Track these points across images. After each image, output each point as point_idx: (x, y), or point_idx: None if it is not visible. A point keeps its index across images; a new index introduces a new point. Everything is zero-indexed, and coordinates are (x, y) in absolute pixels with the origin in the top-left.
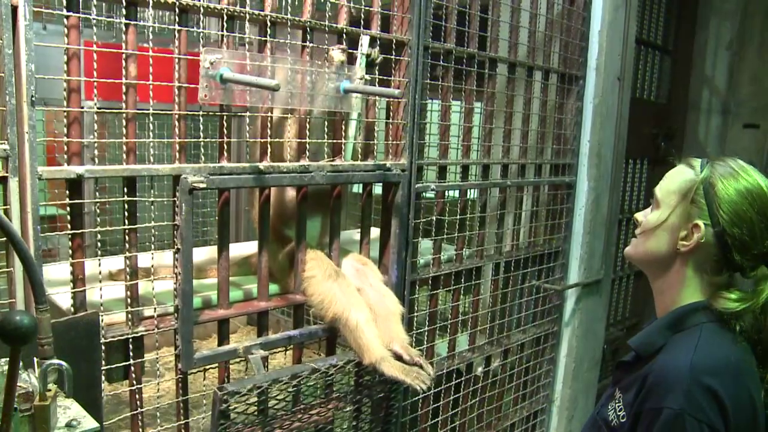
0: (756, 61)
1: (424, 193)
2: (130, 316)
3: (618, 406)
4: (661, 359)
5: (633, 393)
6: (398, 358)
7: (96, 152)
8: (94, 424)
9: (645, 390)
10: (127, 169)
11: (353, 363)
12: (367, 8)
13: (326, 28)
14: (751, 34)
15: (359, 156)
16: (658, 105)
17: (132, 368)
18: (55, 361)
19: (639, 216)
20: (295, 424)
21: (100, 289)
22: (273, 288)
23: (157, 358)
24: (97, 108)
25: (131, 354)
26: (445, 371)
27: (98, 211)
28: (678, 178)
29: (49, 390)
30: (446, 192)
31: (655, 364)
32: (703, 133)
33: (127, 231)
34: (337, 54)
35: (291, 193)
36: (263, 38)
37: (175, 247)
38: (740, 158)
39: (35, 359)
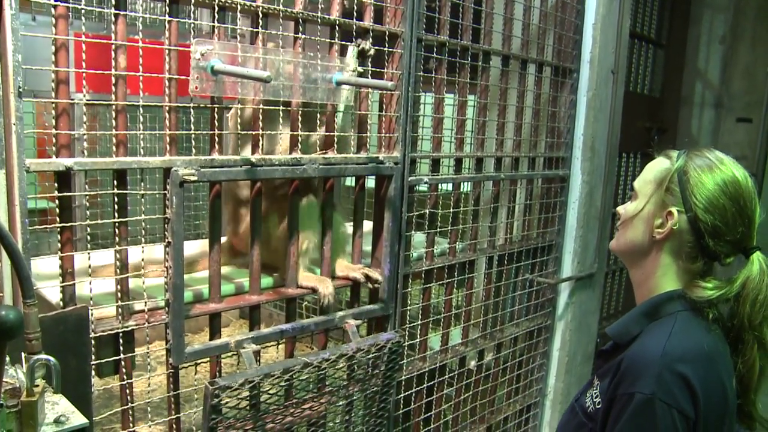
0: (748, 55)
1: (417, 186)
2: (120, 310)
3: (594, 393)
4: (634, 346)
5: (608, 379)
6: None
7: (87, 145)
8: (83, 420)
9: (618, 376)
10: (116, 162)
11: (346, 357)
12: (359, 0)
13: (318, 20)
14: (743, 29)
15: (351, 148)
16: (652, 98)
17: (122, 363)
18: (43, 356)
19: (620, 209)
20: (288, 419)
21: (90, 283)
22: (265, 281)
23: (147, 353)
24: (87, 100)
25: (121, 348)
26: (438, 365)
27: (87, 204)
28: (655, 168)
29: (37, 385)
30: (439, 185)
31: (629, 350)
32: (696, 126)
33: (116, 224)
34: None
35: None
36: (255, 30)
37: (166, 240)
38: (719, 150)
39: (23, 354)
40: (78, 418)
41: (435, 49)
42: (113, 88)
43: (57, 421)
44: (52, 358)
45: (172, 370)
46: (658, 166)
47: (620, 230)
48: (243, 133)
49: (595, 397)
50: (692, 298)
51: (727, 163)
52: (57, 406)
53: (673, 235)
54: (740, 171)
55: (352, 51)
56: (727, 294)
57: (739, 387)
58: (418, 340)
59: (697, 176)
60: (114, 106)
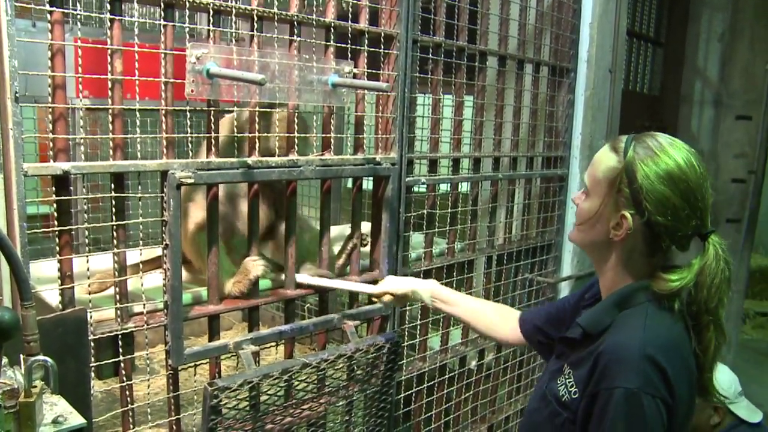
0: (747, 53)
1: (414, 187)
2: (119, 312)
3: (569, 382)
4: (611, 338)
5: (586, 370)
6: None
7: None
8: (81, 420)
9: (599, 370)
10: (114, 165)
11: (345, 357)
12: (355, 2)
13: (314, 22)
14: (742, 27)
15: (348, 149)
16: (651, 97)
17: (122, 365)
18: (41, 357)
19: (575, 199)
20: (287, 419)
21: (89, 285)
22: (264, 283)
23: (147, 354)
24: (86, 105)
25: (121, 350)
26: (438, 365)
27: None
28: (603, 165)
29: (35, 386)
30: (437, 185)
31: (606, 343)
32: (696, 125)
33: (114, 227)
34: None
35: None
36: (250, 33)
37: (164, 242)
38: (666, 134)
39: (21, 356)
40: (76, 419)
41: (431, 50)
42: (110, 93)
43: (55, 422)
44: (49, 360)
45: (171, 372)
46: (607, 163)
47: (577, 227)
48: (239, 135)
49: (570, 386)
50: (657, 290)
51: (668, 148)
52: (55, 406)
53: (630, 236)
54: (682, 154)
55: None
56: (688, 283)
57: (696, 364)
58: (418, 340)
59: (645, 176)
60: (111, 110)
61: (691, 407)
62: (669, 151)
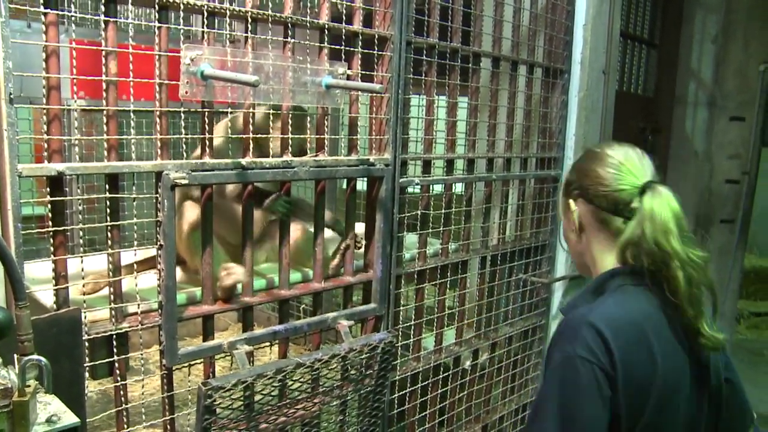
0: (741, 54)
1: (408, 188)
2: (113, 312)
3: None
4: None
5: None
6: None
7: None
8: (75, 419)
9: (553, 337)
10: (108, 166)
11: (339, 357)
12: (349, 4)
13: (308, 24)
14: (735, 28)
15: (342, 149)
16: (645, 98)
17: (116, 365)
18: (35, 356)
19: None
20: (281, 419)
21: (83, 286)
22: (258, 283)
23: (141, 354)
24: (81, 106)
25: (115, 350)
26: (432, 365)
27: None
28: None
29: (29, 386)
30: (431, 186)
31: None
32: (690, 126)
33: (109, 228)
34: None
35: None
36: (245, 34)
37: (158, 243)
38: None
39: (15, 356)
40: (70, 418)
41: (425, 52)
42: (104, 94)
43: (49, 421)
44: (43, 359)
45: (165, 372)
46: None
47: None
48: (236, 137)
49: None
50: (627, 263)
51: (599, 145)
52: (49, 406)
53: (583, 222)
54: (608, 144)
55: None
56: (633, 234)
57: (678, 304)
58: (412, 340)
59: (575, 165)
60: (105, 112)
61: (655, 388)
62: (595, 145)
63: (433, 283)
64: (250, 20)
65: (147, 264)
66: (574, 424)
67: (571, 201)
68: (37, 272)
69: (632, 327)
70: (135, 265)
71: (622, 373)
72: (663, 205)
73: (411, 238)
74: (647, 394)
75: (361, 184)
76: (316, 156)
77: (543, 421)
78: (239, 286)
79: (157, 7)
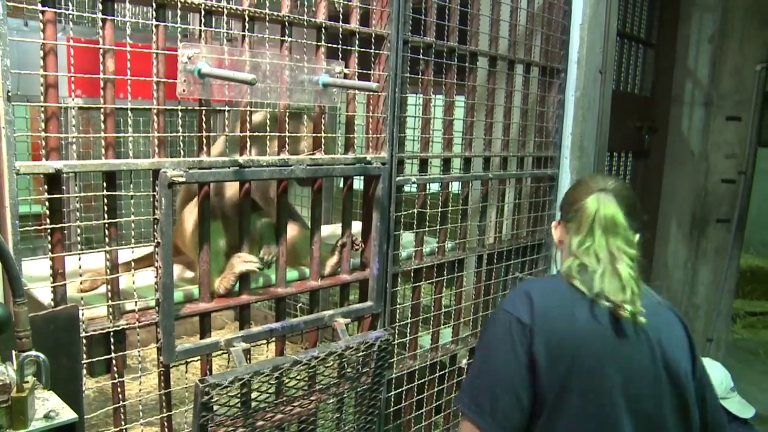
0: (737, 54)
1: (405, 186)
2: (111, 310)
3: None
4: None
5: None
6: None
7: (81, 149)
8: (73, 415)
9: None
10: (105, 164)
11: (335, 355)
12: (346, 2)
13: (305, 23)
14: (731, 28)
15: (338, 148)
16: (642, 98)
17: (113, 362)
18: (33, 352)
19: None
20: (278, 416)
21: (81, 283)
22: (255, 281)
23: (139, 352)
24: (79, 105)
25: (112, 348)
26: (428, 363)
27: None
28: None
29: (27, 382)
30: (428, 185)
31: None
32: (687, 125)
33: (106, 225)
34: None
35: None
36: (242, 33)
37: (156, 241)
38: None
39: (13, 352)
40: (68, 413)
41: (422, 51)
42: (102, 92)
43: (47, 417)
44: (41, 355)
45: (163, 369)
46: None
47: None
48: (240, 134)
49: None
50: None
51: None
52: (47, 402)
53: (560, 238)
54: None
55: None
56: (579, 232)
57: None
58: (408, 338)
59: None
60: (103, 110)
61: (576, 348)
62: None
63: (430, 281)
64: (247, 19)
65: (145, 261)
66: (488, 361)
67: (553, 226)
68: (34, 270)
69: (556, 294)
70: (132, 263)
71: (540, 325)
72: (595, 203)
73: (408, 237)
74: (568, 349)
75: (358, 183)
76: (312, 154)
77: (473, 364)
78: (236, 285)
79: (154, 5)
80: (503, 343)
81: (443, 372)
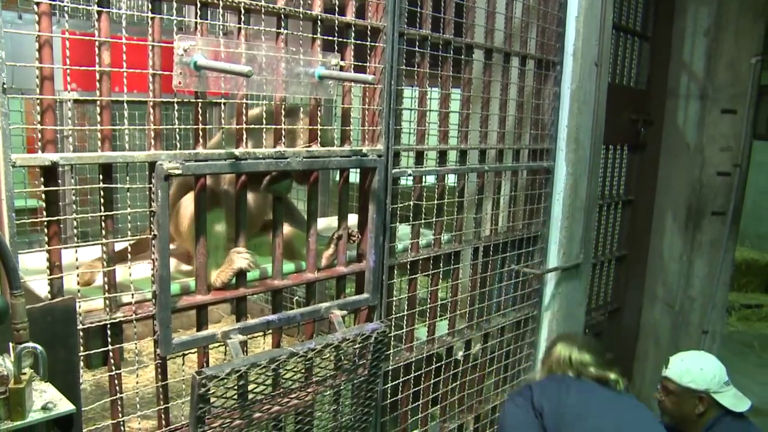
0: (732, 47)
1: (401, 179)
2: (107, 302)
3: None
4: None
5: None
6: None
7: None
8: (70, 407)
9: None
10: (102, 156)
11: (332, 347)
12: None
13: (301, 15)
14: (727, 21)
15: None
16: (637, 90)
17: (110, 354)
18: (30, 344)
19: None
20: (275, 408)
21: (78, 276)
22: (252, 274)
23: (135, 345)
24: (75, 97)
25: (109, 340)
26: (425, 355)
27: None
28: None
29: (24, 373)
30: (424, 177)
31: None
32: (682, 118)
33: (103, 218)
34: None
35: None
36: (238, 25)
37: (152, 233)
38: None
39: (10, 344)
40: (65, 405)
41: (417, 43)
42: (98, 85)
43: (44, 408)
44: (38, 347)
45: (160, 361)
46: None
47: None
48: (237, 128)
49: None
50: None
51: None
52: (45, 393)
53: None
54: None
55: None
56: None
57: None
58: (404, 330)
59: None
60: (99, 102)
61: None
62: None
63: (426, 273)
64: (243, 11)
65: (140, 246)
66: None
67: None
68: (31, 264)
69: (551, 382)
70: (129, 247)
71: (538, 392)
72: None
73: (404, 229)
74: (562, 404)
75: (354, 176)
76: (308, 147)
77: None
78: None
79: None
80: (514, 411)
81: (439, 364)
